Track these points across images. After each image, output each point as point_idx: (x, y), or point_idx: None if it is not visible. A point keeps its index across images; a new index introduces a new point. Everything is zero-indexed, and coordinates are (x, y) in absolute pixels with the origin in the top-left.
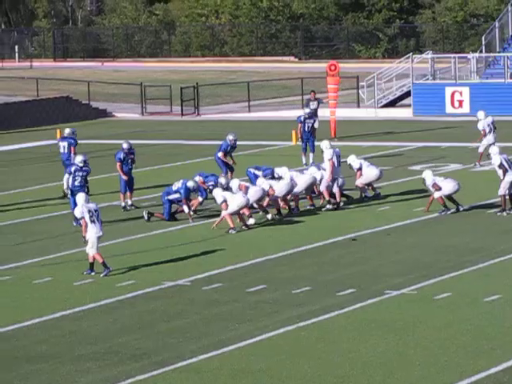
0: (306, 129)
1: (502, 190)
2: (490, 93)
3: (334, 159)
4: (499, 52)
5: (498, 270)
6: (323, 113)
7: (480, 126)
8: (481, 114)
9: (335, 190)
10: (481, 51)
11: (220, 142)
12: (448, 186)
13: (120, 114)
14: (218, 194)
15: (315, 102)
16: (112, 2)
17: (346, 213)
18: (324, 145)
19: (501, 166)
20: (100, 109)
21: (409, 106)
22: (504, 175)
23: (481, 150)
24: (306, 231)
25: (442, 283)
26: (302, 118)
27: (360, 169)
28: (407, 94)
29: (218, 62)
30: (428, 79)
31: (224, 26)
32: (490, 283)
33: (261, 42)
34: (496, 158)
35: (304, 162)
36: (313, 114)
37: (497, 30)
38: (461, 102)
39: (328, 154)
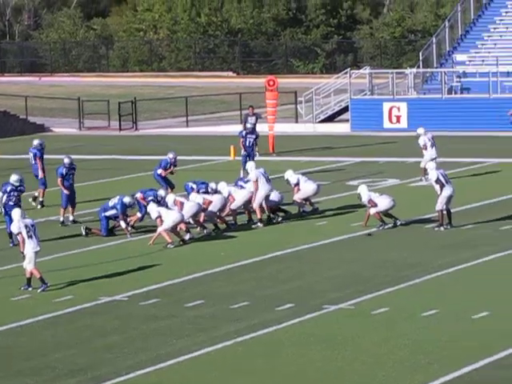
0: (248, 144)
1: (440, 205)
2: (428, 108)
3: (261, 179)
4: (436, 67)
5: (435, 284)
6: (262, 128)
7: (421, 141)
8: (421, 130)
9: (264, 205)
10: (418, 67)
11: (159, 157)
12: (384, 203)
13: (58, 128)
14: (153, 209)
15: (253, 117)
16: (50, 16)
17: (284, 227)
18: (249, 166)
19: (437, 181)
20: (37, 123)
21: (347, 121)
22: (441, 190)
23: (422, 164)
24: (243, 246)
25: (380, 298)
26: (244, 133)
27: (297, 184)
28: (345, 110)
29: (156, 77)
30: (366, 94)
31: (162, 40)
32: (426, 298)
33: (199, 57)
34: (433, 174)
35: (241, 175)
36: (253, 130)
37: (434, 46)
38: (398, 118)
39: (253, 175)
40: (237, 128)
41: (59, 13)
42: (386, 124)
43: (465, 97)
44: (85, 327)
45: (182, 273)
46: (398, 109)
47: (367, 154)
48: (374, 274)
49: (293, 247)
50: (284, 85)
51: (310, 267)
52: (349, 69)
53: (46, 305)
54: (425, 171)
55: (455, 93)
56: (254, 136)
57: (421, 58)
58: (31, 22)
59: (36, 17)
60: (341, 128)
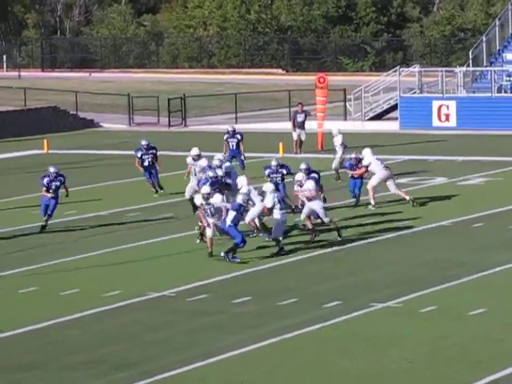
0: (231, 147)
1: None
2: (477, 107)
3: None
4: (486, 66)
5: (483, 283)
6: (311, 125)
7: (339, 140)
8: (336, 130)
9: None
10: (468, 65)
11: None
12: (382, 172)
13: (107, 124)
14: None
15: (302, 115)
16: (100, 12)
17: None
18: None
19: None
20: (87, 119)
21: (396, 119)
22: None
23: (334, 165)
24: (290, 243)
25: (427, 297)
26: (225, 137)
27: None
28: (394, 108)
29: (206, 73)
30: (415, 93)
31: (212, 37)
32: (474, 297)
33: (248, 54)
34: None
35: None
36: (234, 132)
37: (484, 45)
38: (447, 116)
39: (269, 199)
40: (286, 125)
41: (110, 9)
42: (435, 122)
43: None
44: (133, 322)
45: (229, 269)
46: (447, 107)
47: (416, 152)
48: (421, 273)
49: (340, 245)
50: (333, 82)
51: (357, 265)
52: (398, 67)
53: (94, 299)
54: (337, 172)
55: (505, 92)
56: (235, 140)
57: (470, 57)
58: (82, 18)
59: (87, 13)
60: (389, 126)
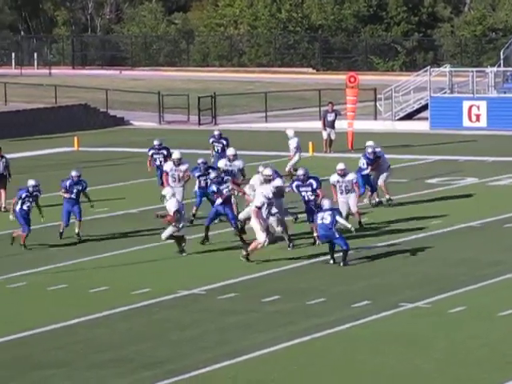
0: (217, 150)
1: None
2: (507, 107)
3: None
4: None
5: None
6: (341, 124)
7: (294, 143)
8: (290, 132)
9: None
10: (499, 65)
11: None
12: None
13: (138, 122)
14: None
15: (333, 114)
16: (131, 10)
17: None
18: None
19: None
20: (118, 117)
21: (426, 119)
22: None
23: (288, 168)
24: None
25: (457, 297)
26: (211, 141)
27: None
28: (424, 107)
29: (236, 72)
30: (446, 93)
31: (242, 36)
32: (504, 298)
33: (279, 53)
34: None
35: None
36: (220, 136)
37: None
38: (478, 116)
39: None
40: (316, 124)
41: (141, 7)
42: (466, 122)
43: None
44: (162, 320)
45: (259, 268)
46: (478, 107)
47: (446, 152)
48: (451, 273)
49: (369, 245)
50: (363, 82)
51: (385, 265)
52: (429, 67)
53: (124, 297)
54: (291, 174)
55: None
56: (220, 145)
57: (502, 57)
58: (113, 16)
59: (118, 11)
60: (420, 126)
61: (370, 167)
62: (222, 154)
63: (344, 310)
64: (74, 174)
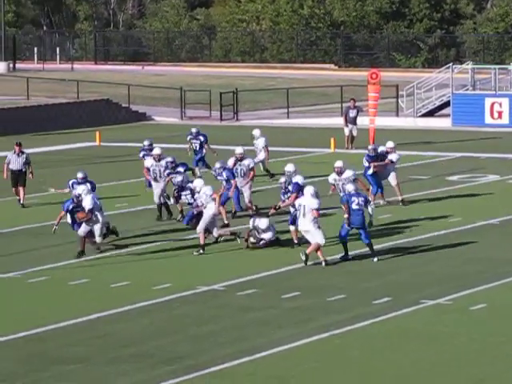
0: (195, 147)
1: None
2: None
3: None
4: None
5: None
6: (362, 121)
7: (262, 143)
8: (257, 132)
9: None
10: None
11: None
12: None
13: (159, 117)
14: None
15: (354, 110)
16: (153, 6)
17: (388, 220)
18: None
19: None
20: (140, 112)
21: (448, 115)
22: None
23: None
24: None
25: (478, 294)
26: (188, 138)
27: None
28: (446, 104)
29: (258, 68)
30: (468, 90)
31: (264, 32)
32: None
33: (301, 49)
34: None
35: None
36: (197, 133)
37: None
38: (500, 113)
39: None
40: (338, 121)
41: (163, 2)
42: (488, 119)
43: None
44: (182, 315)
45: (278, 264)
46: (500, 104)
47: (467, 149)
48: (471, 270)
49: (389, 242)
50: (385, 78)
51: (406, 262)
52: (451, 63)
53: (144, 292)
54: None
55: None
56: (198, 141)
57: None
58: (135, 11)
59: (140, 6)
60: (442, 123)
61: (372, 166)
62: (199, 150)
63: (364, 307)
64: (79, 175)
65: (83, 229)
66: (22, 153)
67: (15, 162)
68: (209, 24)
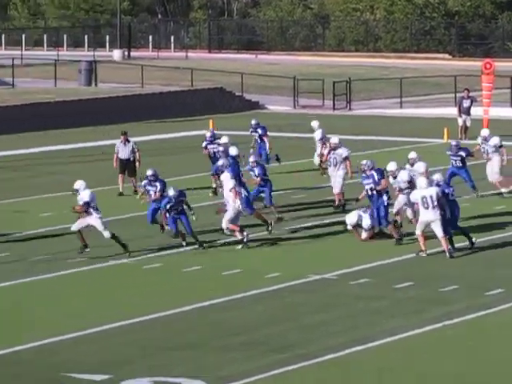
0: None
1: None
2: None
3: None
4: None
5: None
6: (476, 111)
7: (319, 135)
8: (315, 124)
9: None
10: None
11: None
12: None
13: (272, 106)
14: None
15: (468, 100)
16: None
17: (493, 213)
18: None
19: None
20: (253, 101)
21: None
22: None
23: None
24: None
25: None
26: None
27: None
28: None
29: (372, 57)
30: None
31: (378, 21)
32: None
33: (415, 39)
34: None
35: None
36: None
37: None
38: None
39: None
40: (451, 111)
41: None
42: None
43: None
44: (294, 304)
45: (390, 254)
46: None
47: None
48: None
49: (500, 234)
50: (500, 68)
51: None
52: None
53: (256, 280)
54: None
55: None
56: (256, 134)
57: None
58: (249, 0)
59: None
60: None
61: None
62: (260, 144)
63: (477, 298)
64: (149, 172)
65: (77, 224)
66: (128, 141)
67: (122, 151)
68: (322, 13)
